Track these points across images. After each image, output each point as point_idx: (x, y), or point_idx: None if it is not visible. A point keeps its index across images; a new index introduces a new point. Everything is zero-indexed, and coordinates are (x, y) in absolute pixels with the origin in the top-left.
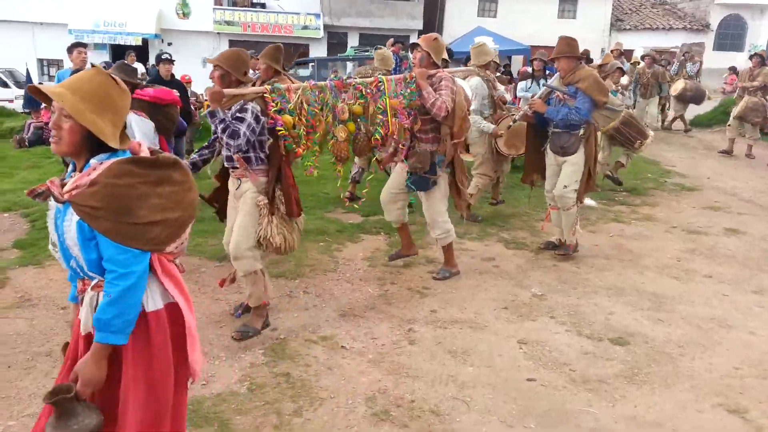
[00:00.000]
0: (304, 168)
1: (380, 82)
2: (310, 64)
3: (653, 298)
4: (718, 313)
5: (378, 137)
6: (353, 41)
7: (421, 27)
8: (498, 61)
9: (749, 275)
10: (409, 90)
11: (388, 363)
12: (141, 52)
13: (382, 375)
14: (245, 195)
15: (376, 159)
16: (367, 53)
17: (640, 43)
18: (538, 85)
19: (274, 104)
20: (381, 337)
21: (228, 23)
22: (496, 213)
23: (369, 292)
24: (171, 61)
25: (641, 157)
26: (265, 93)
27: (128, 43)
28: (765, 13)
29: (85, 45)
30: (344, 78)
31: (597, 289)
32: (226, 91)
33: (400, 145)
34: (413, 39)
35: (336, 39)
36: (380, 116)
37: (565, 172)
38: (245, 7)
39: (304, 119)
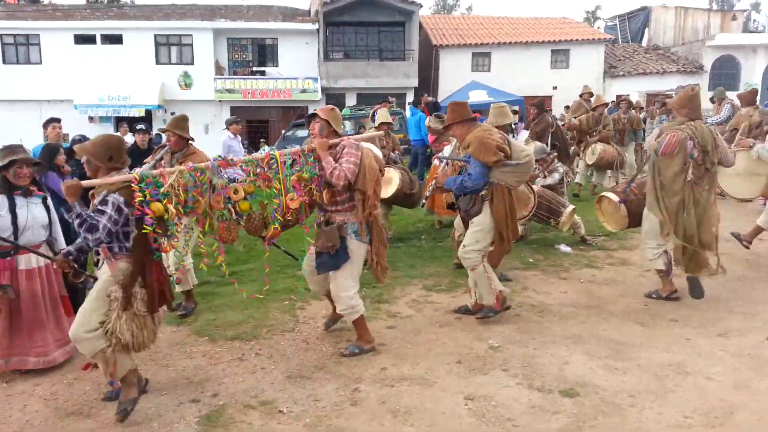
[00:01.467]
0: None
1: (272, 158)
2: None
3: (613, 345)
4: (678, 358)
5: (278, 226)
6: (351, 101)
7: (416, 84)
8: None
9: (716, 317)
10: (308, 163)
11: (324, 427)
12: (144, 122)
13: None
14: (101, 277)
15: (261, 236)
16: (362, 112)
17: (634, 88)
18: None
19: (141, 194)
20: (323, 398)
21: (229, 91)
22: None
23: (323, 351)
24: (147, 132)
25: None
26: (133, 182)
27: (132, 115)
28: (758, 52)
29: (59, 120)
30: (229, 158)
31: (556, 339)
32: (85, 182)
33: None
34: (409, 96)
35: (334, 100)
36: (276, 199)
37: (467, 234)
38: (245, 75)
39: (183, 200)
